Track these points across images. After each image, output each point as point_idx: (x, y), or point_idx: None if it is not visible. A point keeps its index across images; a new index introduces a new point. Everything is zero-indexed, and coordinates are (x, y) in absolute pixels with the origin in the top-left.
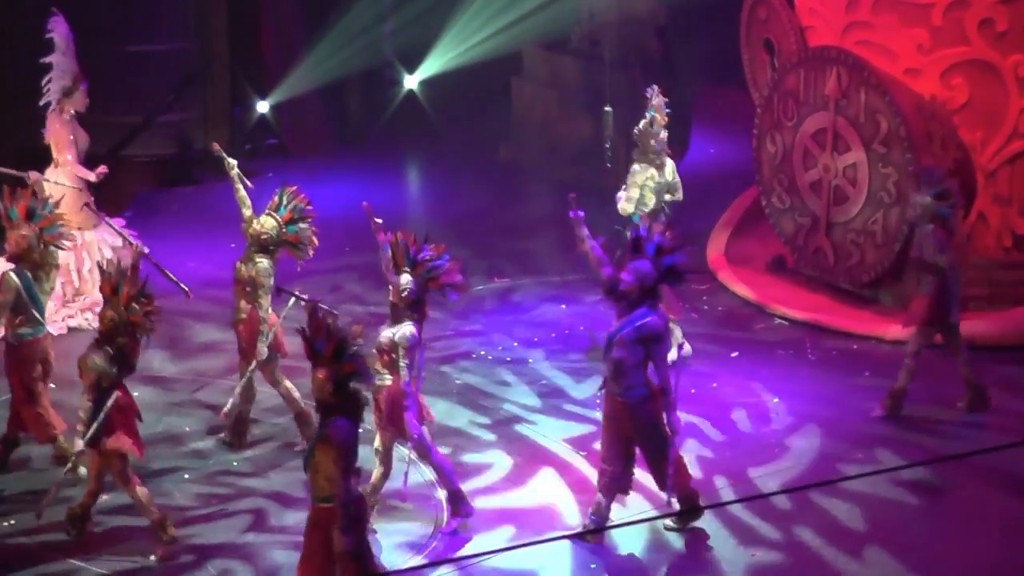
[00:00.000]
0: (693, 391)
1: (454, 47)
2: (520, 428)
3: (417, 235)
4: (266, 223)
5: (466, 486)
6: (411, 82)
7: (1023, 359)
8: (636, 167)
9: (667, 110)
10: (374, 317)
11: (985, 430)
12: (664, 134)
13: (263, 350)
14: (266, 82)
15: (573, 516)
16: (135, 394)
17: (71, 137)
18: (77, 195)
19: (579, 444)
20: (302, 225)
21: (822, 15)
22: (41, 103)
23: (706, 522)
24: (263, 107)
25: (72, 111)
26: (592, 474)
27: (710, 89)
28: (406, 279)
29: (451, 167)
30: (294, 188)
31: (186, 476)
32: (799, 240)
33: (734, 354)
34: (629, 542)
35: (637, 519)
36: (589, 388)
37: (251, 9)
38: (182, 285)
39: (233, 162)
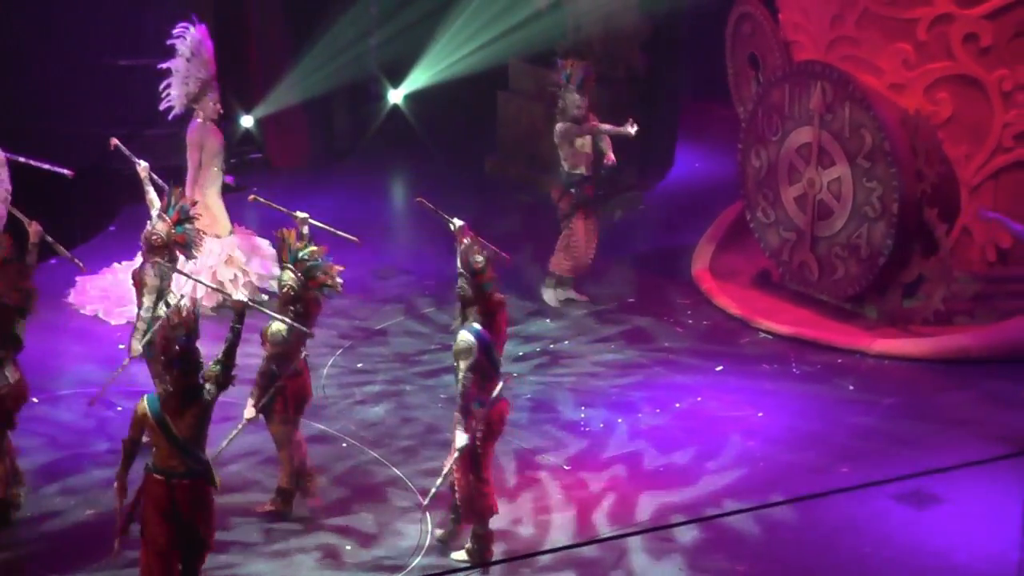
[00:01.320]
0: (678, 405)
1: (439, 61)
2: (505, 443)
3: (303, 233)
4: (158, 226)
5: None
6: (396, 96)
7: (1008, 373)
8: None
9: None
10: (360, 332)
11: (971, 444)
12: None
13: (136, 347)
14: (251, 96)
15: (559, 530)
16: (119, 408)
17: (200, 143)
18: (216, 202)
19: (565, 459)
20: (188, 226)
21: (807, 30)
22: (161, 108)
23: (691, 536)
24: (248, 121)
25: (204, 117)
26: (579, 488)
27: (695, 103)
28: (288, 275)
29: (436, 181)
30: (180, 189)
31: None
32: (784, 254)
33: (718, 368)
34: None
35: (625, 533)
36: (573, 403)
37: (236, 23)
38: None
39: (144, 164)
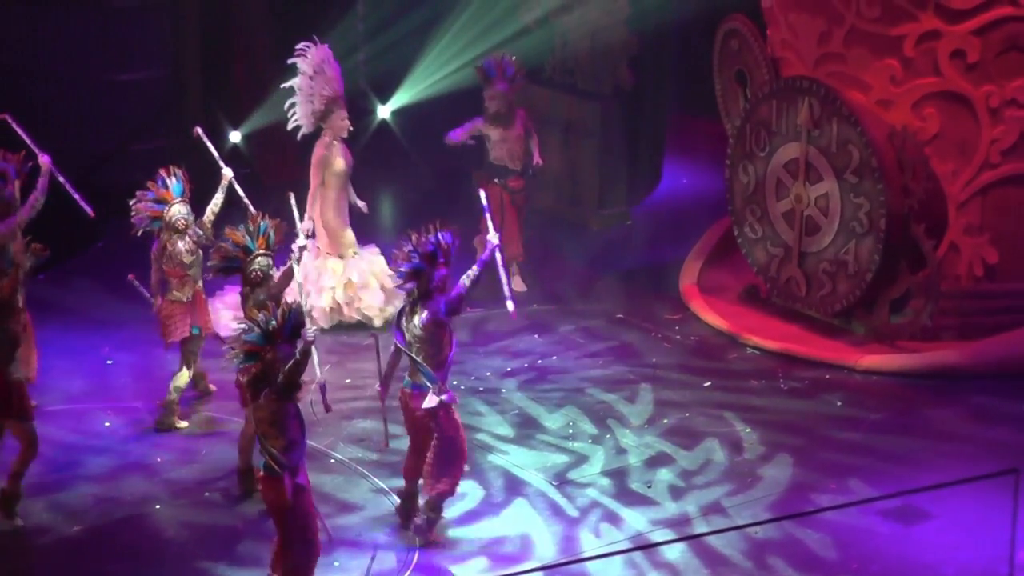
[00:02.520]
0: (665, 420)
1: (427, 77)
2: (493, 458)
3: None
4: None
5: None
6: (384, 111)
7: (995, 389)
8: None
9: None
10: (346, 347)
11: (958, 460)
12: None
13: None
14: (239, 112)
15: (546, 547)
16: (106, 424)
17: (329, 162)
18: (339, 220)
19: (552, 474)
20: (262, 260)
21: (794, 46)
22: (289, 127)
23: (679, 553)
24: (235, 137)
25: (331, 135)
26: (566, 504)
27: (682, 119)
28: (265, 261)
29: (423, 196)
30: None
31: (157, 507)
32: (771, 270)
33: (706, 383)
34: (601, 572)
35: (612, 552)
36: (562, 418)
37: (224, 38)
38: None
39: (228, 170)
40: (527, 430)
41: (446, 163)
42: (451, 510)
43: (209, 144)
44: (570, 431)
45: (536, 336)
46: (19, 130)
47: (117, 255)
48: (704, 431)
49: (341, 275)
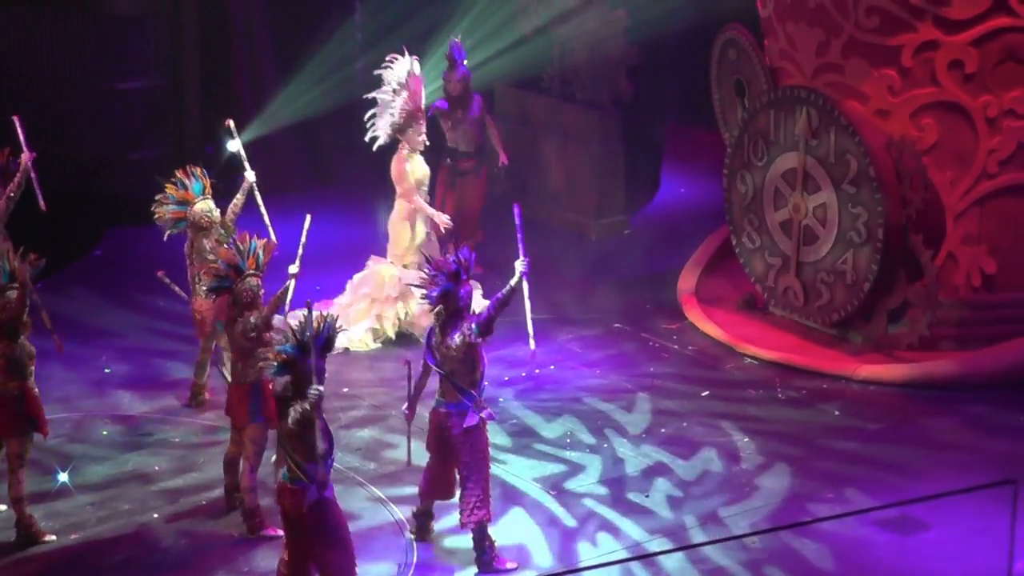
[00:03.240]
0: (663, 430)
1: (425, 86)
2: (490, 467)
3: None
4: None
5: (437, 525)
6: None
7: (993, 399)
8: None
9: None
10: (343, 357)
11: (955, 470)
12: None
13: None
14: (238, 120)
15: (544, 556)
16: (103, 433)
17: (407, 174)
18: (405, 230)
19: (549, 484)
20: (251, 280)
21: (792, 57)
22: (366, 138)
23: (677, 563)
24: (234, 145)
25: (408, 149)
26: (563, 514)
27: (680, 129)
28: (253, 281)
29: None
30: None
31: (155, 516)
32: (769, 280)
33: (704, 393)
34: None
35: (609, 562)
36: (560, 427)
37: (223, 47)
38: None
39: (252, 173)
40: (524, 439)
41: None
42: (448, 519)
43: (239, 142)
44: (567, 440)
45: (534, 346)
46: (20, 131)
47: (115, 263)
48: (702, 441)
49: (399, 284)
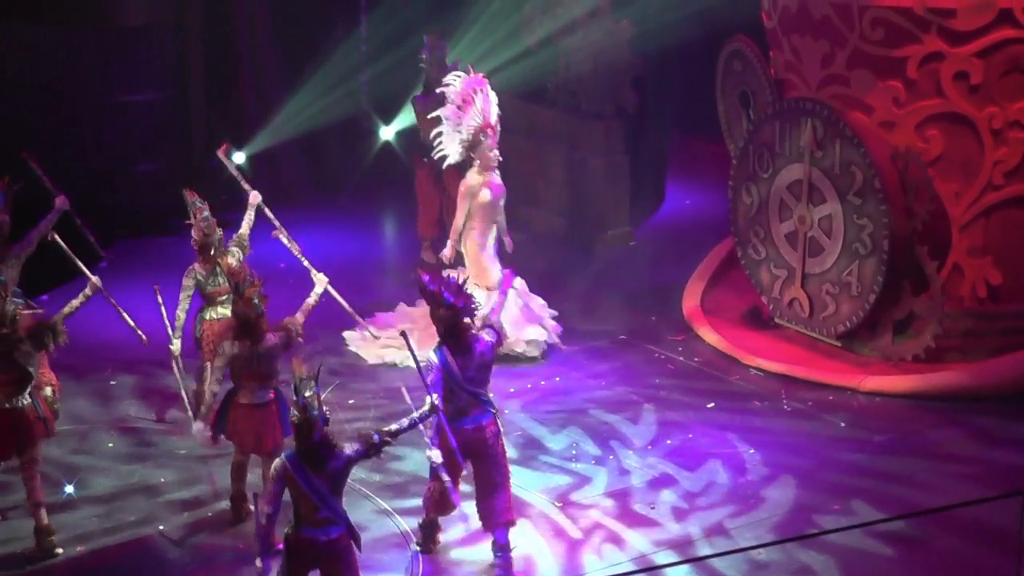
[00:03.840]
0: (669, 442)
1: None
2: None
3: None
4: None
5: (443, 537)
6: (387, 133)
7: (999, 410)
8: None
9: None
10: (347, 368)
11: (962, 481)
12: None
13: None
14: (243, 132)
15: (550, 568)
16: (109, 444)
17: (474, 194)
18: (484, 254)
19: (555, 495)
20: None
21: (798, 68)
22: (435, 156)
23: (683, 575)
24: (239, 157)
25: (480, 166)
26: (569, 525)
27: (686, 140)
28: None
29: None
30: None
31: (161, 527)
32: (775, 291)
33: (710, 405)
34: None
35: (616, 572)
36: (565, 439)
37: (229, 59)
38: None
39: (256, 193)
40: (530, 451)
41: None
42: (454, 531)
43: (232, 166)
44: (573, 452)
45: (540, 356)
46: (38, 170)
47: (121, 275)
48: (707, 452)
49: (484, 306)
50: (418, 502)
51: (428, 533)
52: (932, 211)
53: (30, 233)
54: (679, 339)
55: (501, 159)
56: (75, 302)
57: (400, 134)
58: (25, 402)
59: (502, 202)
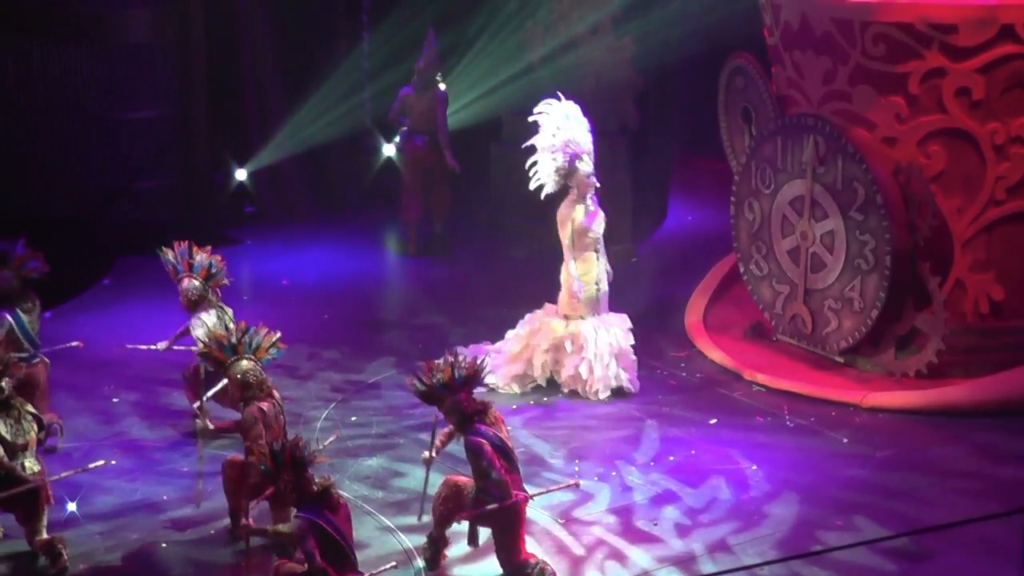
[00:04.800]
0: (671, 458)
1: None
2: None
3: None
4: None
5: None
6: (390, 149)
7: (1001, 426)
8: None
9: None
10: (352, 385)
11: (964, 498)
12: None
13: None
14: (245, 149)
15: None
16: (112, 462)
17: (570, 219)
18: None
19: (558, 512)
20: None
21: (799, 84)
22: (532, 187)
23: None
24: (242, 174)
25: (577, 193)
26: (571, 542)
27: (687, 157)
28: (246, 365)
29: (430, 233)
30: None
31: (163, 545)
32: (777, 307)
33: (712, 421)
34: None
35: None
36: (567, 456)
37: (231, 76)
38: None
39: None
40: (532, 468)
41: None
42: (457, 548)
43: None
44: (576, 469)
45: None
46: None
47: (123, 292)
48: (710, 468)
49: (557, 336)
50: (422, 519)
51: (435, 548)
52: (934, 227)
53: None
54: (682, 355)
55: (599, 185)
56: None
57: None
58: (36, 468)
59: (601, 229)
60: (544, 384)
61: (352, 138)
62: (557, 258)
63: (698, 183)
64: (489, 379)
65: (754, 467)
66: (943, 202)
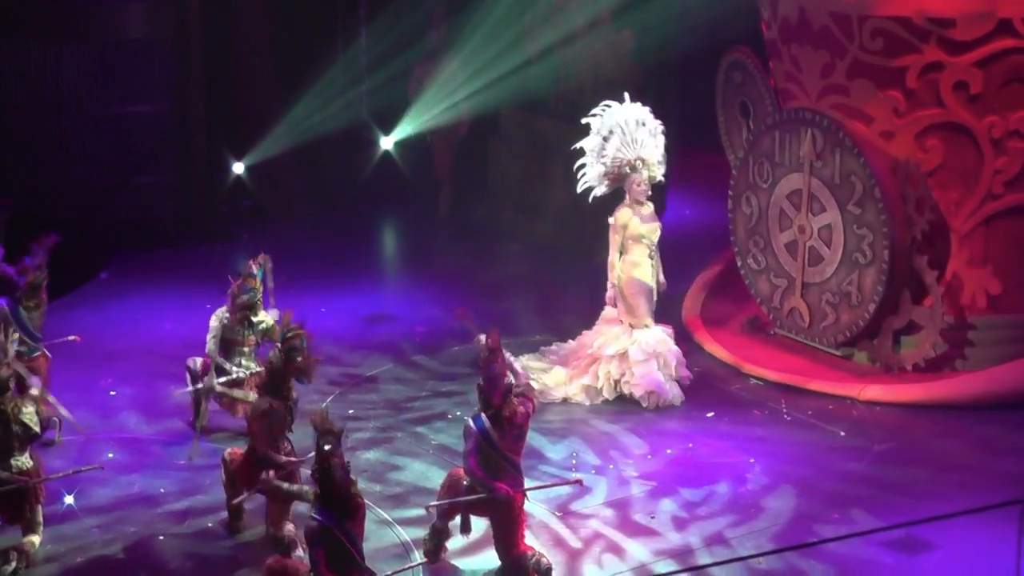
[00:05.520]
0: (669, 451)
1: (430, 108)
2: None
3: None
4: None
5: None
6: (387, 143)
7: (998, 419)
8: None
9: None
10: (349, 378)
11: (961, 490)
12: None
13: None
14: (242, 143)
15: None
16: (109, 455)
17: (623, 226)
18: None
19: (555, 505)
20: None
21: (797, 79)
22: (579, 190)
23: None
24: (239, 168)
25: (629, 198)
26: (568, 535)
27: (686, 151)
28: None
29: (427, 228)
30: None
31: (161, 538)
32: (774, 301)
33: (709, 414)
34: None
35: None
36: (565, 449)
37: (228, 71)
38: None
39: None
40: (530, 461)
41: (449, 195)
42: (455, 541)
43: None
44: (573, 462)
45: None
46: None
47: (120, 286)
48: (707, 462)
49: (621, 346)
50: (418, 512)
51: (435, 540)
52: (932, 221)
53: None
54: (679, 349)
55: (649, 191)
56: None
57: (399, 145)
58: (28, 465)
59: (655, 237)
60: (611, 397)
61: (349, 132)
62: (552, 252)
63: (696, 177)
64: (558, 392)
65: (751, 460)
66: (941, 196)
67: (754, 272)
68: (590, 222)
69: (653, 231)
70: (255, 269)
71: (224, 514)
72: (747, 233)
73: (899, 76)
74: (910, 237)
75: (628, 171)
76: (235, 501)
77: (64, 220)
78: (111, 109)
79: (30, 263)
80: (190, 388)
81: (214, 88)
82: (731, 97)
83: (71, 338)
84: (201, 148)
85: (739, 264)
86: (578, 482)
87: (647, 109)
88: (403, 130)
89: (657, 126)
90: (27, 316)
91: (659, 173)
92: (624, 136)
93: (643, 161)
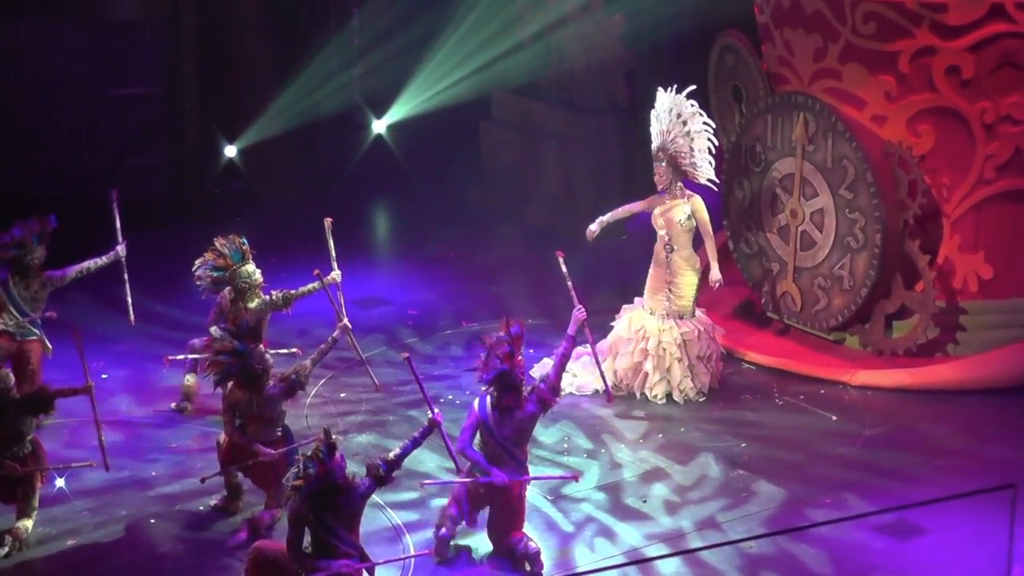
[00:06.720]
0: (660, 436)
1: (423, 91)
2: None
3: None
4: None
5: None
6: (380, 126)
7: (990, 403)
8: None
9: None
10: (342, 363)
11: (952, 475)
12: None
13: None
14: (234, 126)
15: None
16: (103, 438)
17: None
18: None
19: (547, 489)
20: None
21: (790, 63)
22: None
23: (674, 568)
24: (231, 151)
25: (679, 185)
26: (560, 519)
27: None
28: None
29: (420, 211)
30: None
31: (152, 521)
32: (767, 285)
33: (701, 398)
34: None
35: (607, 567)
36: (557, 433)
37: (221, 53)
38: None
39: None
40: None
41: (441, 178)
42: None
43: (337, 299)
44: (565, 446)
45: (531, 351)
46: (116, 211)
47: (112, 269)
48: (699, 446)
49: (658, 331)
50: (410, 495)
51: (446, 545)
52: (924, 205)
53: (68, 267)
54: None
55: (697, 180)
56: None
57: (391, 128)
58: (26, 451)
59: (662, 231)
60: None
61: (342, 115)
62: (544, 235)
63: None
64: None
65: (743, 444)
66: (932, 181)
67: (746, 256)
68: (582, 204)
69: (660, 226)
70: (226, 249)
71: (217, 497)
72: (739, 217)
73: (891, 60)
74: (902, 222)
75: (680, 159)
76: (203, 477)
77: (56, 202)
78: (103, 90)
79: (8, 240)
80: (184, 356)
81: (206, 70)
82: (723, 81)
83: (48, 315)
84: (193, 130)
85: (731, 248)
86: (575, 477)
87: (690, 102)
88: (396, 113)
89: (692, 117)
90: (28, 295)
91: (688, 166)
92: (661, 123)
93: (664, 152)
